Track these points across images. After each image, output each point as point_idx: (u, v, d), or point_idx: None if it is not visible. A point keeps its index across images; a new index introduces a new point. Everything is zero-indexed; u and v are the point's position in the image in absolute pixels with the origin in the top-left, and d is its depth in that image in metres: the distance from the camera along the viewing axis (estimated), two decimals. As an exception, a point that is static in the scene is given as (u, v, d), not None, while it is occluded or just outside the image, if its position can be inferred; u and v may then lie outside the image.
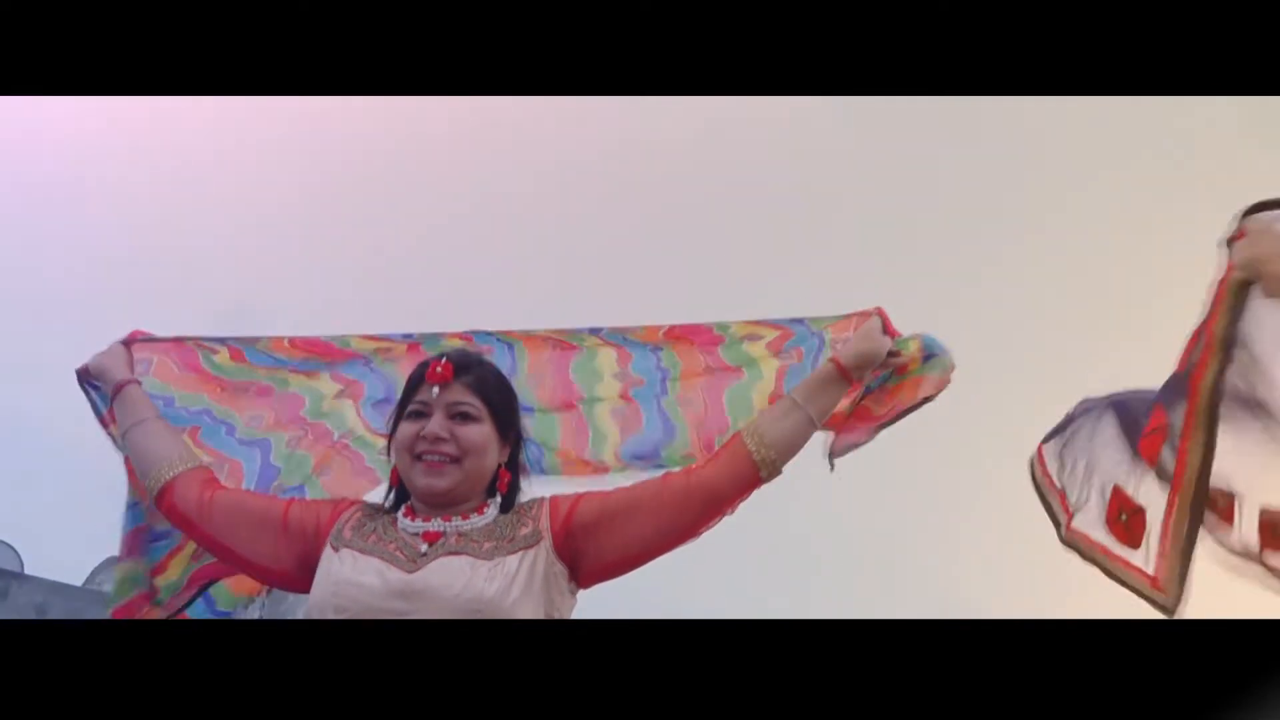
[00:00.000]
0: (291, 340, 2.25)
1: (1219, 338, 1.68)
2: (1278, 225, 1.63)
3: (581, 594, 1.87)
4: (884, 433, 2.01)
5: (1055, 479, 1.99)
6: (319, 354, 2.25)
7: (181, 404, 2.20)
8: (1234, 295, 1.67)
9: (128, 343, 2.18)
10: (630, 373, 2.16)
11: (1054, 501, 1.98)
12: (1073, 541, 1.91)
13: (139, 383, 2.11)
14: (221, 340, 2.25)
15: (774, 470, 1.84)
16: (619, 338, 2.17)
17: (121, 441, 2.11)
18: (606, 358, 2.17)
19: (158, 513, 2.05)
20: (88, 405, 2.20)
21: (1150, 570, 1.79)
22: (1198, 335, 1.73)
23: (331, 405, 2.27)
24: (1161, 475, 1.79)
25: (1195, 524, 1.73)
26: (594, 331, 2.18)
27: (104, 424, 2.19)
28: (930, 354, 1.95)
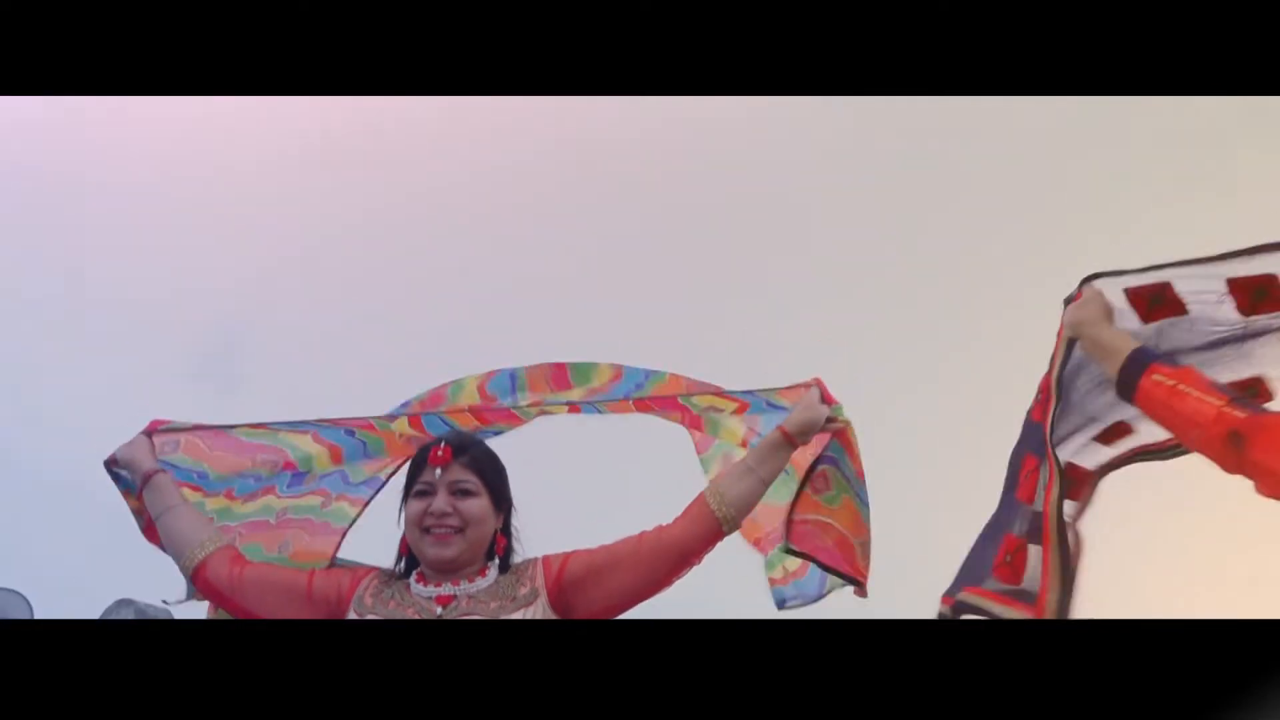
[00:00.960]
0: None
1: (1055, 384, 1.93)
2: (1106, 293, 1.84)
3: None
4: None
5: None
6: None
7: (216, 478, 2.37)
8: (1065, 349, 1.91)
9: (149, 432, 2.36)
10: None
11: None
12: (961, 603, 2.03)
13: (164, 471, 2.30)
14: (234, 427, 2.41)
15: (734, 525, 2.09)
16: (593, 410, 2.40)
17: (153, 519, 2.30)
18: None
19: None
20: (89, 447, 2.39)
21: (1033, 602, 1.92)
22: (1045, 384, 1.97)
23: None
24: (1037, 509, 1.97)
25: (1065, 551, 1.91)
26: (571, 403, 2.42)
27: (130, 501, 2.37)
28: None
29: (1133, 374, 1.72)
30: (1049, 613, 1.85)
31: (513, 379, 2.44)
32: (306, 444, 2.40)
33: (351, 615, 2.04)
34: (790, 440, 2.13)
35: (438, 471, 2.07)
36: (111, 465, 2.35)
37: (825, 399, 2.17)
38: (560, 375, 2.44)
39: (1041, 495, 1.94)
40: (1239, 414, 1.60)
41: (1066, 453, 1.99)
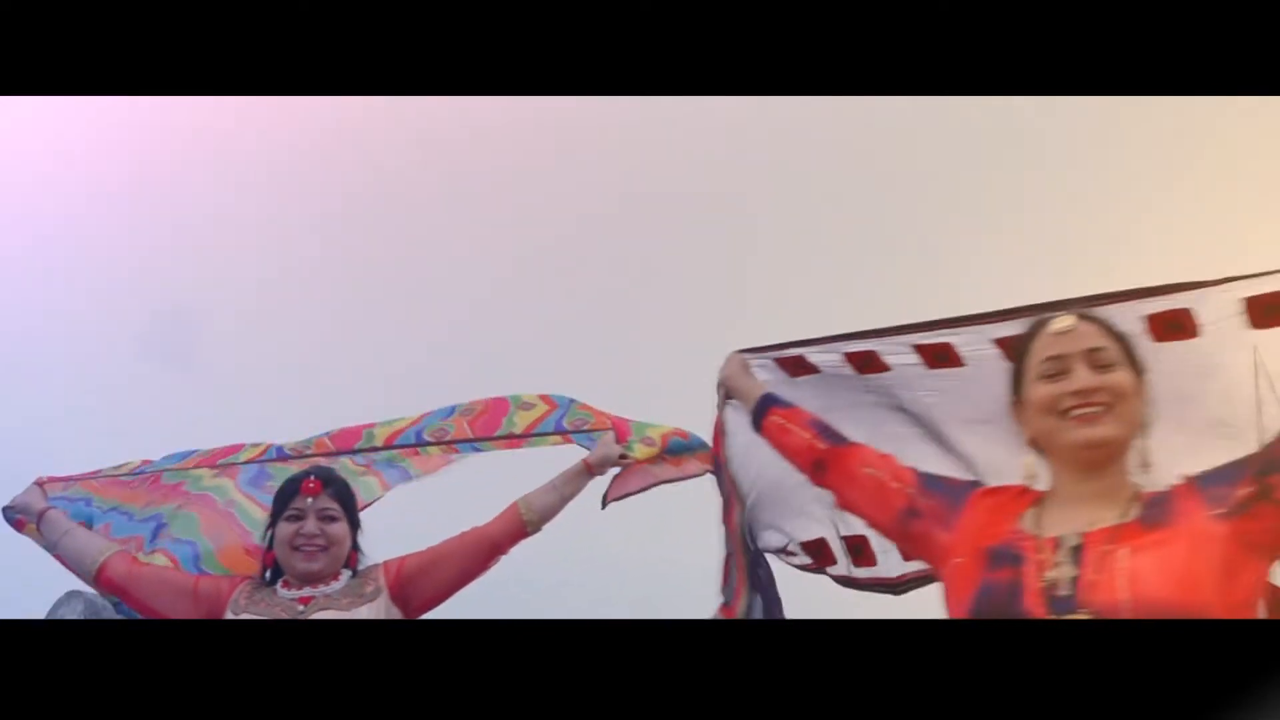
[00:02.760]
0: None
1: (720, 423, 2.46)
2: (745, 360, 2.40)
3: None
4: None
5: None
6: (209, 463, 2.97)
7: (97, 504, 2.88)
8: (722, 398, 2.43)
9: (40, 484, 2.86)
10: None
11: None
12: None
13: (55, 508, 2.79)
14: (116, 469, 2.94)
15: (536, 528, 2.68)
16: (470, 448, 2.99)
17: (51, 547, 2.77)
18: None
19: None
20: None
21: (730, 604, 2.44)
22: (718, 421, 2.47)
23: (211, 481, 2.96)
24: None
25: (748, 560, 2.45)
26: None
27: (17, 526, 2.86)
28: (679, 448, 2.79)
29: (759, 413, 2.24)
30: (739, 614, 2.38)
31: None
32: (171, 470, 2.93)
33: (228, 614, 2.51)
34: (590, 470, 2.76)
35: (309, 500, 2.54)
36: (9, 511, 2.83)
37: (619, 439, 2.78)
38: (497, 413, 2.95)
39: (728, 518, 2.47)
40: (822, 445, 2.09)
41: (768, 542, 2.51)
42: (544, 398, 2.97)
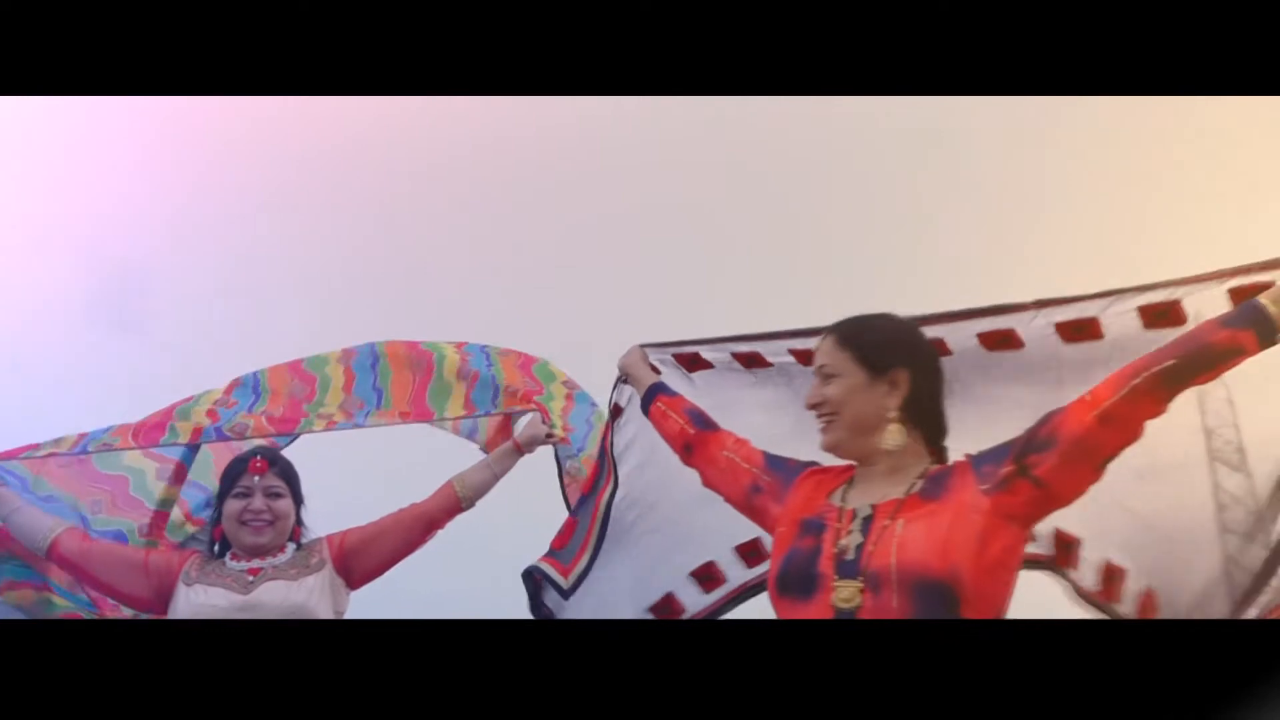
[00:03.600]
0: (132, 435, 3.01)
1: (610, 407, 2.75)
2: (645, 353, 2.66)
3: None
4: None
5: None
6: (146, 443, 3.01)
7: (35, 489, 2.95)
8: (619, 381, 2.69)
9: None
10: (469, 366, 3.18)
11: None
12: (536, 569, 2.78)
13: (3, 485, 2.85)
14: (55, 443, 2.95)
15: (470, 504, 2.88)
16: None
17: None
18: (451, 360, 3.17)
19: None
20: None
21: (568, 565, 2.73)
22: (615, 408, 2.73)
23: (130, 463, 3.10)
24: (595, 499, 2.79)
25: (598, 534, 2.72)
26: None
27: None
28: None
29: (647, 400, 2.49)
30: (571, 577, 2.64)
31: (375, 369, 3.12)
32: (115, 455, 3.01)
33: (180, 585, 2.66)
34: (519, 449, 2.94)
35: (256, 478, 2.72)
36: None
37: (545, 419, 2.97)
38: (417, 355, 3.11)
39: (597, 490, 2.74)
40: (691, 430, 2.34)
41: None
42: (467, 397, 3.10)
